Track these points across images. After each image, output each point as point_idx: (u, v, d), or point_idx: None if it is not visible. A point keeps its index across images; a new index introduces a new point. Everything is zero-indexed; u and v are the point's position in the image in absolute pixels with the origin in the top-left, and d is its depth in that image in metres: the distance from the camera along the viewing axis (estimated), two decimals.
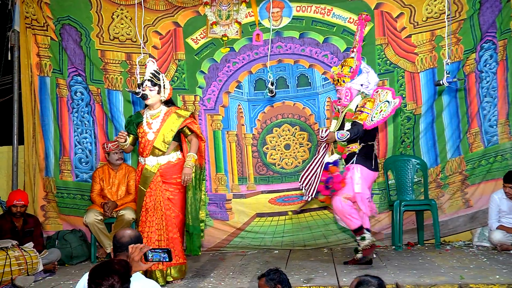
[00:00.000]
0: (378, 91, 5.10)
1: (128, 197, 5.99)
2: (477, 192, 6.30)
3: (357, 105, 5.06)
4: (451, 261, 5.15)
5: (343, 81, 5.10)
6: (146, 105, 4.99)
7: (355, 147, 5.07)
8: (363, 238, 5.06)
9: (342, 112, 5.13)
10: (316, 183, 5.03)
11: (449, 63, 5.25)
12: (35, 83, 6.49)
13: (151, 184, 4.81)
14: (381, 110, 4.91)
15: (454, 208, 6.32)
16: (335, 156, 5.12)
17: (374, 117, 4.93)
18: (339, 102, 5.17)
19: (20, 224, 5.67)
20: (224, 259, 5.89)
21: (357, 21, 5.31)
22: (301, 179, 5.22)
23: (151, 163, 4.85)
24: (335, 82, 5.19)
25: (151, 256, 3.04)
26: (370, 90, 5.14)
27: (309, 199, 5.18)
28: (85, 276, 3.01)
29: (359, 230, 5.07)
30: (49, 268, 5.41)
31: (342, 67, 5.12)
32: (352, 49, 5.23)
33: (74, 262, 5.98)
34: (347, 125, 5.02)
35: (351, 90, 5.10)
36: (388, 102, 4.92)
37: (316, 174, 5.07)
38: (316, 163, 5.15)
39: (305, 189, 5.14)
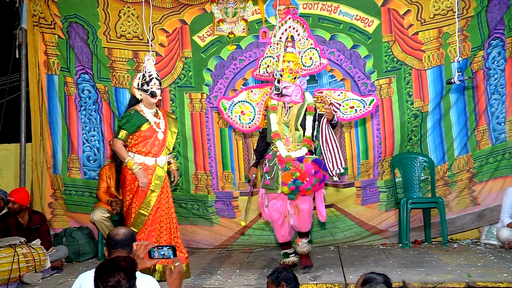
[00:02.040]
0: (323, 92, 5.02)
1: None
2: (485, 190, 6.27)
3: (313, 101, 4.95)
4: (458, 259, 5.13)
5: (294, 78, 4.91)
6: (137, 102, 4.90)
7: (315, 143, 4.93)
8: (311, 242, 5.00)
9: (289, 107, 4.91)
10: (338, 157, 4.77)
11: (460, 61, 5.23)
12: (43, 81, 6.52)
13: (163, 184, 4.85)
14: (352, 106, 4.87)
15: (462, 205, 6.30)
16: (304, 151, 4.82)
17: (345, 113, 4.88)
18: (281, 96, 4.89)
19: (25, 221, 5.70)
20: (230, 257, 5.91)
21: (291, 17, 5.10)
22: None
23: (161, 162, 4.87)
24: (286, 78, 4.86)
25: (157, 253, 3.07)
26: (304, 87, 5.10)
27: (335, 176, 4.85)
28: (81, 277, 3.04)
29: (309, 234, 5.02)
30: (56, 265, 5.44)
31: (290, 63, 4.87)
32: (287, 44, 5.04)
33: (81, 259, 6.02)
34: (310, 118, 4.86)
35: (301, 88, 4.99)
36: (360, 101, 4.90)
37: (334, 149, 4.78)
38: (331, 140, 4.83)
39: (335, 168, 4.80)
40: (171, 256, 3.06)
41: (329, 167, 4.77)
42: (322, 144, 4.79)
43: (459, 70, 5.08)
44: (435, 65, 6.26)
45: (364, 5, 6.30)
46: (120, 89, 6.44)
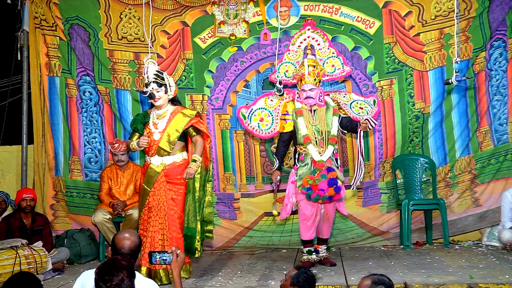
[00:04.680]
0: (329, 94, 5.35)
1: (137, 196, 5.97)
2: (487, 191, 6.26)
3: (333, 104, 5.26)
4: (460, 261, 5.13)
5: (319, 81, 5.21)
6: (152, 105, 5.00)
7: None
8: (329, 248, 5.45)
9: (314, 110, 5.14)
10: (361, 172, 5.16)
11: (458, 62, 5.24)
12: (44, 83, 6.52)
13: (155, 184, 4.85)
14: (361, 107, 5.18)
15: (463, 207, 6.29)
16: (330, 150, 5.08)
17: (358, 114, 5.14)
18: (306, 99, 5.12)
19: (29, 223, 5.71)
20: (232, 258, 5.90)
21: (310, 28, 5.42)
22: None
23: (156, 162, 4.88)
24: (311, 81, 5.12)
25: (159, 258, 3.08)
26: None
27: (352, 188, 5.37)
28: (84, 274, 3.03)
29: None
30: (58, 267, 5.44)
31: (314, 67, 5.15)
32: (307, 52, 5.34)
33: (83, 261, 6.01)
34: (335, 119, 5.15)
35: (323, 92, 5.26)
36: (364, 101, 5.24)
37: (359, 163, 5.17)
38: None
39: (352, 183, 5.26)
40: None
41: (356, 177, 5.19)
42: (358, 155, 5.14)
43: (457, 70, 5.08)
44: (436, 66, 6.25)
45: (365, 6, 6.31)
46: (121, 91, 6.43)
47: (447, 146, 6.31)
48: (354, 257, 5.54)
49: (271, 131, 5.28)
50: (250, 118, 5.28)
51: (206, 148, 5.01)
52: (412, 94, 6.29)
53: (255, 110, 5.30)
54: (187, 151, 5.01)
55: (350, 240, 6.29)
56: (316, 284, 4.33)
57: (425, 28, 6.23)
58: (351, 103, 5.25)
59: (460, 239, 6.29)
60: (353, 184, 5.26)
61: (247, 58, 6.44)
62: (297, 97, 5.24)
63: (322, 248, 5.27)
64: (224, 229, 6.42)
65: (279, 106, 5.28)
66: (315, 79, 5.12)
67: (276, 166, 5.27)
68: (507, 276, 4.37)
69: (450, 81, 5.13)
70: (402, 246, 5.97)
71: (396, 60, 6.30)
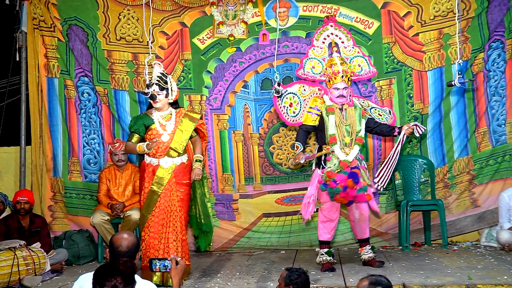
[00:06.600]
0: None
1: (136, 197, 5.95)
2: (485, 192, 6.27)
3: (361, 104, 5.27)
4: (458, 262, 5.13)
5: (349, 80, 5.15)
6: (151, 106, 4.98)
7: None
8: (373, 248, 5.28)
9: (345, 109, 5.07)
10: (389, 174, 5.11)
11: (461, 63, 5.24)
12: (43, 84, 6.51)
13: (166, 185, 4.83)
14: (380, 114, 5.34)
15: (462, 208, 6.29)
16: (356, 150, 5.04)
17: (379, 119, 5.29)
18: (338, 97, 5.05)
19: (27, 224, 5.70)
20: (230, 259, 5.89)
21: (333, 25, 5.42)
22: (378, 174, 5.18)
23: (166, 164, 4.86)
24: (345, 80, 5.06)
25: (159, 265, 3.08)
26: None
27: (380, 189, 5.25)
28: (82, 277, 3.03)
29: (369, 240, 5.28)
30: (56, 268, 5.44)
31: (345, 66, 5.12)
32: (332, 50, 5.32)
33: (81, 262, 6.00)
34: (363, 122, 5.14)
35: (352, 92, 5.26)
36: (381, 109, 5.40)
37: (390, 165, 5.12)
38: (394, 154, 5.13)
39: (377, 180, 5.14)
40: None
41: (379, 175, 5.13)
42: (392, 156, 5.09)
43: (459, 72, 5.08)
44: (435, 67, 6.25)
45: (364, 7, 6.31)
46: (119, 91, 6.43)
47: (445, 147, 6.32)
48: (353, 258, 5.53)
49: (296, 120, 5.24)
50: (283, 99, 5.26)
51: (203, 146, 5.18)
52: (411, 95, 6.29)
53: (288, 93, 5.27)
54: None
55: (348, 241, 6.29)
56: (315, 285, 4.38)
57: (424, 28, 6.24)
58: (370, 109, 5.33)
59: (458, 240, 6.29)
60: (378, 182, 5.11)
61: (246, 59, 6.44)
62: (329, 95, 5.15)
63: (366, 249, 5.16)
64: (223, 230, 6.41)
65: (309, 98, 5.25)
66: (348, 78, 5.10)
67: (300, 150, 5.09)
68: (505, 277, 4.36)
69: (453, 83, 5.13)
70: (400, 247, 5.97)
71: (395, 60, 6.30)
